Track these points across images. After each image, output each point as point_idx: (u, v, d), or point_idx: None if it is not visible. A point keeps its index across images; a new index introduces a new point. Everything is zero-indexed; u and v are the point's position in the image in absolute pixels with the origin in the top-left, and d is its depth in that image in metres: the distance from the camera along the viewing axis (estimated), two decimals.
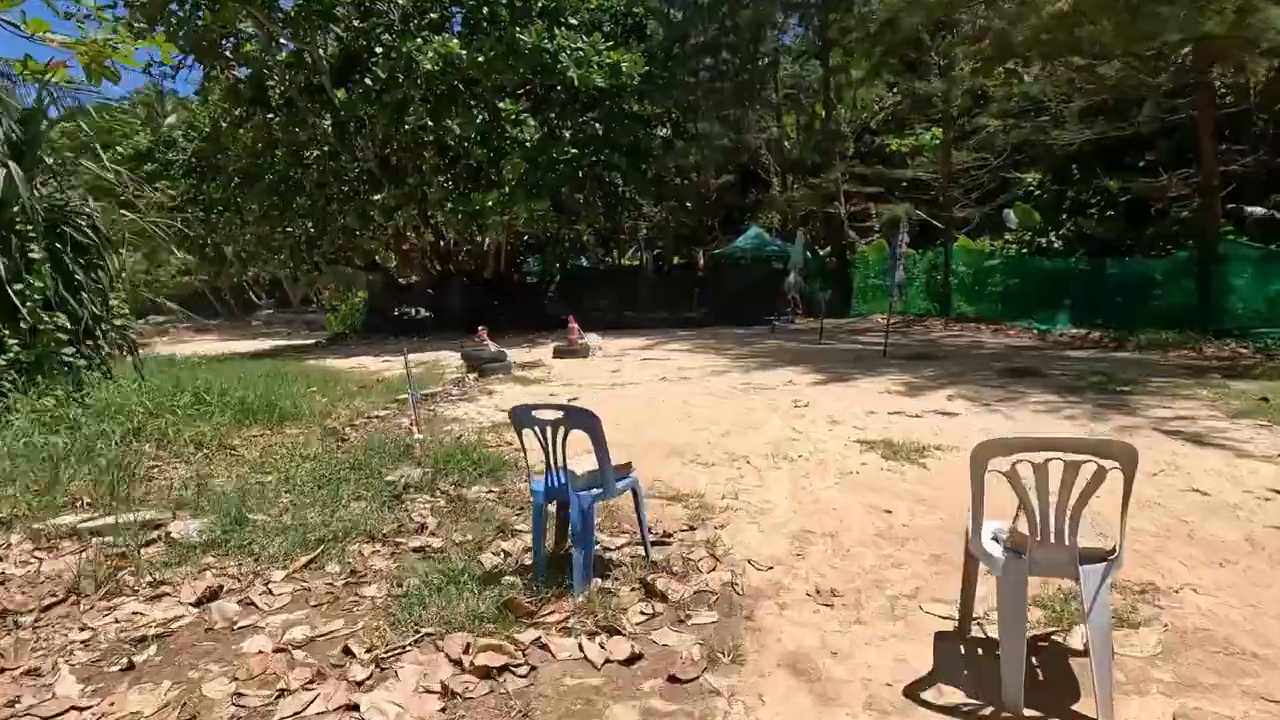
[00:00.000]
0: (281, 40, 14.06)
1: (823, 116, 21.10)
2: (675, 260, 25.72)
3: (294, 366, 10.95)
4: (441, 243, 17.62)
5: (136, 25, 13.26)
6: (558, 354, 11.51)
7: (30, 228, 5.90)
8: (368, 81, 13.89)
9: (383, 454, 4.75)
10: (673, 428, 5.93)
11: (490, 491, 4.20)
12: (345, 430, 5.88)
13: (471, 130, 13.60)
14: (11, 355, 5.50)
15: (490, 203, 13.62)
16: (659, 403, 7.07)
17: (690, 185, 22.30)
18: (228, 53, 14.32)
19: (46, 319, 5.77)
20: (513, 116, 13.37)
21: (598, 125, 15.45)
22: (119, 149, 18.70)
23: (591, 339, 13.00)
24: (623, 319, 18.07)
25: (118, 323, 6.80)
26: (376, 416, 6.54)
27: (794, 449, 5.12)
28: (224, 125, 15.08)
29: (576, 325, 12.78)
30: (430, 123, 13.45)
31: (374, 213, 14.78)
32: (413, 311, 20.01)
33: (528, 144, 13.89)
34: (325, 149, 14.91)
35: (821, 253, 20.89)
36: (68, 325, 5.92)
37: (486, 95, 13.93)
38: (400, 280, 21.42)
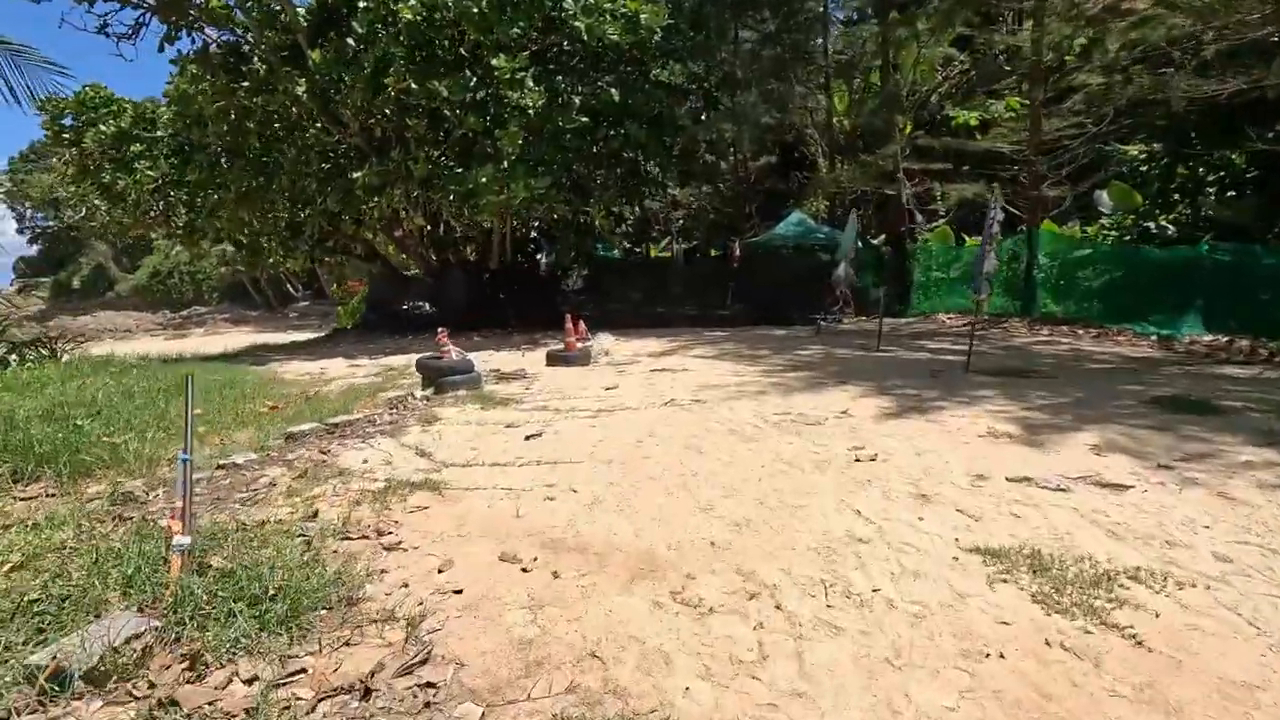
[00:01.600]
0: None
1: (879, 84, 18.42)
2: (710, 251, 23.39)
3: (235, 374, 9.08)
4: (438, 228, 15.63)
5: None
6: (551, 361, 9.39)
7: None
8: (349, 41, 11.97)
9: (102, 574, 2.67)
10: (659, 502, 3.72)
11: (283, 682, 2.08)
12: (150, 495, 3.84)
13: (461, 93, 11.53)
14: None
15: (484, 179, 11.55)
16: (652, 447, 4.86)
17: (722, 164, 19.88)
18: (192, 10, 12.54)
19: None
20: (508, 76, 11.24)
21: (614, 91, 13.24)
22: (101, 127, 17.31)
23: (603, 340, 10.84)
24: (650, 315, 15.87)
25: None
26: (237, 465, 4.48)
27: (859, 569, 2.86)
28: (198, 97, 13.33)
29: (581, 325, 10.65)
30: (415, 85, 11.43)
31: (358, 192, 12.87)
32: (415, 306, 18.20)
33: (530, 111, 11.76)
34: (302, 120, 13.06)
35: (875, 241, 18.27)
36: None
37: (481, 53, 11.84)
38: (405, 272, 19.63)
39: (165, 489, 3.84)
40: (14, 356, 9.98)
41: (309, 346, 15.53)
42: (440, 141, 12.89)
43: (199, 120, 13.86)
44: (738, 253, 17.90)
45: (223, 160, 14.56)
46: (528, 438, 5.16)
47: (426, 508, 3.70)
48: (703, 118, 15.88)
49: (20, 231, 59.43)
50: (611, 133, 13.81)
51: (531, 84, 11.55)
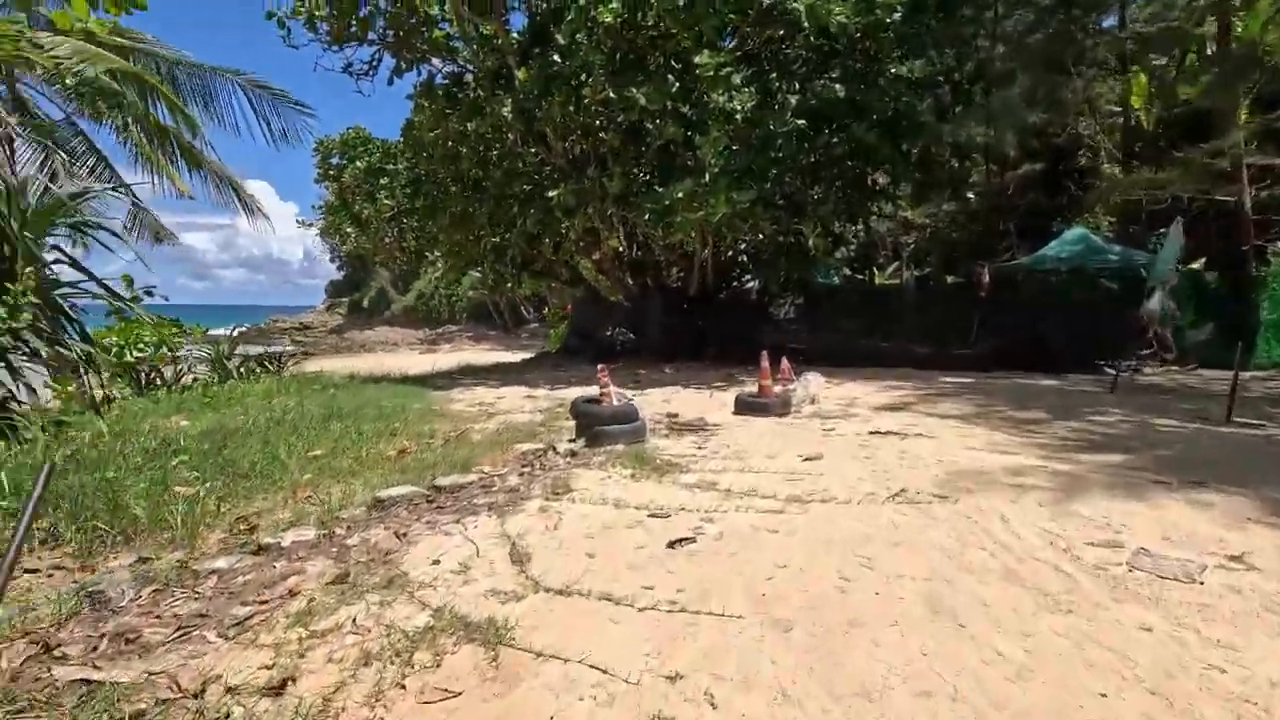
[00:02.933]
0: (470, 19, 12.32)
1: (1196, 59, 13.97)
2: (946, 278, 19.85)
3: (409, 399, 8.65)
4: (634, 250, 14.67)
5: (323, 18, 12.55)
6: (741, 408, 7.60)
7: None
8: (554, 57, 11.49)
9: None
10: None
11: None
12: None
13: (660, 100, 10.35)
14: None
15: (681, 194, 10.21)
16: (868, 596, 2.86)
17: (970, 172, 16.52)
18: (422, 45, 13.03)
19: None
20: (711, 73, 9.81)
21: (838, 88, 11.19)
22: (357, 164, 19.28)
23: (809, 383, 8.83)
24: (871, 353, 13.39)
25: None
26: (280, 548, 3.37)
27: None
28: (419, 127, 13.90)
29: (784, 363, 8.77)
30: (613, 94, 10.51)
31: (556, 213, 12.33)
32: (618, 332, 17.54)
33: (736, 115, 10.22)
34: (507, 142, 12.91)
35: (1195, 266, 13.71)
36: None
37: (684, 53, 10.59)
38: (610, 298, 19.16)
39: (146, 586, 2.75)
40: (243, 369, 10.74)
41: (507, 369, 15.46)
42: (638, 156, 11.86)
43: (425, 150, 14.47)
44: (987, 279, 14.58)
45: (442, 187, 15.10)
46: (673, 544, 3.46)
47: (456, 695, 2.16)
48: (949, 114, 13.07)
49: (331, 260, 72.36)
50: (834, 139, 11.75)
51: (738, 82, 10.00)
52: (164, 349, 9.38)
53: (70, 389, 9.31)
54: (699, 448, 5.77)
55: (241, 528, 3.66)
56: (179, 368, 10.11)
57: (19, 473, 3.62)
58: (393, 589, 2.91)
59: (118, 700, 2.03)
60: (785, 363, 8.84)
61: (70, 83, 9.83)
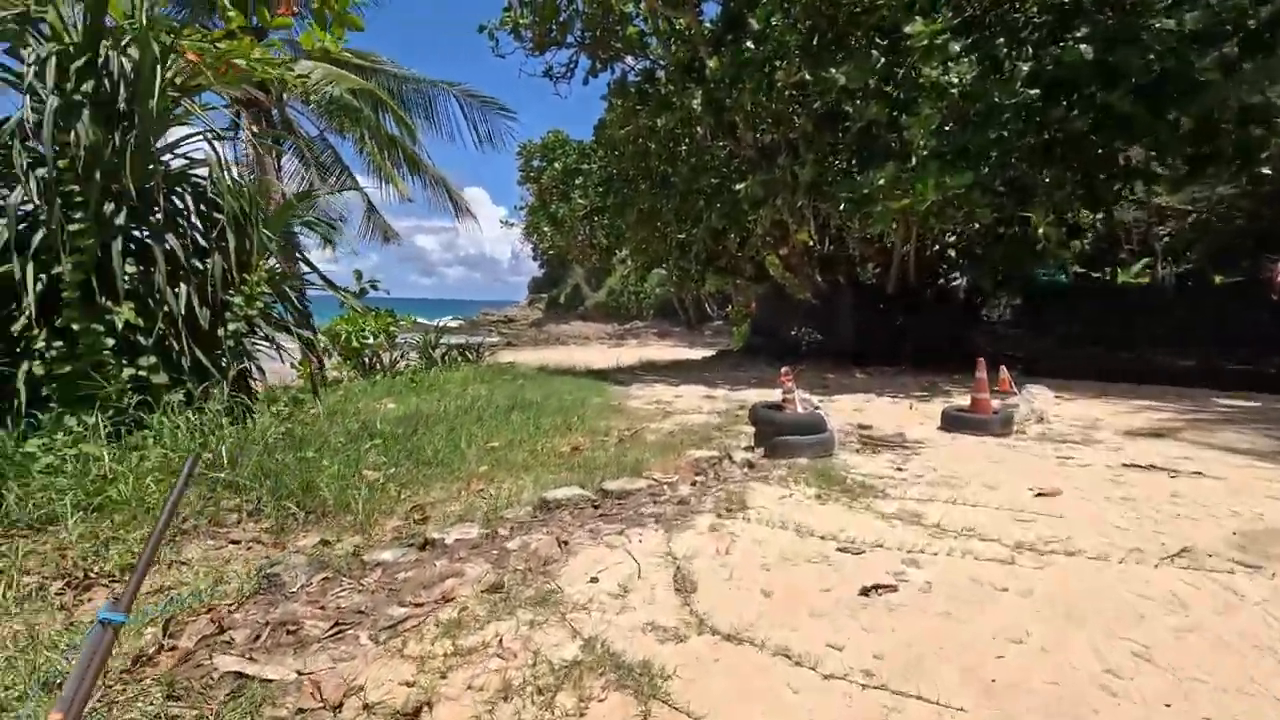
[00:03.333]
0: (663, 13, 12.24)
1: None
2: (1213, 276, 16.18)
3: (588, 394, 8.74)
4: (825, 244, 13.67)
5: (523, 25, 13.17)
6: (949, 423, 6.59)
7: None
8: (747, 44, 11.02)
9: None
10: None
11: None
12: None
13: (862, 78, 9.41)
14: (33, 368, 4.01)
15: (882, 180, 9.22)
16: (1135, 700, 2.08)
17: (1269, 142, 13.21)
18: (616, 43, 13.23)
19: (82, 317, 4.13)
20: (925, 43, 8.69)
21: (1084, 48, 9.40)
22: (555, 165, 20.29)
23: (1035, 398, 7.55)
24: (1112, 364, 11.29)
25: (231, 328, 4.91)
26: (444, 545, 3.30)
27: None
28: (611, 125, 14.15)
29: (1004, 373, 7.57)
30: (809, 76, 9.78)
31: (743, 206, 11.85)
32: (804, 331, 16.64)
33: (952, 89, 8.99)
34: (696, 134, 12.63)
35: None
36: (136, 323, 4.28)
37: (889, 24, 9.54)
38: (797, 296, 18.25)
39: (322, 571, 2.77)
40: (446, 358, 11.62)
41: (688, 367, 15.28)
42: (834, 142, 10.96)
43: (616, 149, 14.73)
44: None
45: (631, 184, 15.28)
46: (867, 590, 2.86)
47: None
48: (1236, 71, 10.45)
49: (533, 259, 78.35)
50: (1074, 111, 9.93)
51: (956, 51, 8.77)
52: (381, 337, 10.39)
53: (309, 371, 10.67)
54: (898, 469, 4.99)
55: (415, 517, 3.69)
56: (394, 355, 11.18)
57: (240, 448, 3.95)
58: (545, 607, 2.66)
59: (262, 703, 1.96)
60: (1004, 372, 7.60)
61: (317, 100, 11.24)
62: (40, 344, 3.94)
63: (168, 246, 4.40)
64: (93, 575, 2.75)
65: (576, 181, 19.22)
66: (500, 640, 2.40)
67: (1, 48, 4.48)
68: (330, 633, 2.40)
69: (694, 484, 4.46)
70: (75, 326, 4.00)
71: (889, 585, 2.89)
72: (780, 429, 5.24)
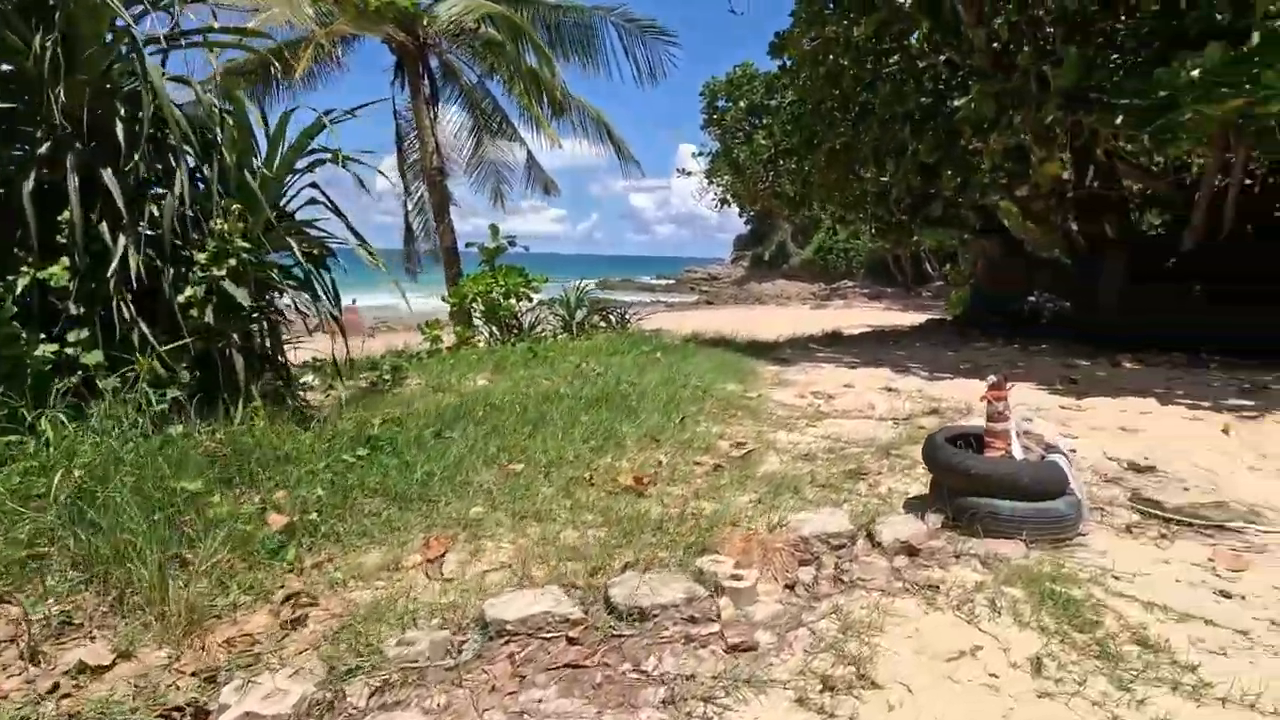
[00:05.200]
0: None
1: None
2: None
3: (717, 381, 6.85)
4: (1087, 180, 9.85)
5: None
6: None
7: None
8: None
9: None
10: None
11: None
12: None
13: None
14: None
15: (1195, 72, 5.91)
16: None
17: None
18: None
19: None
20: None
21: None
22: (740, 104, 17.93)
23: None
24: None
25: (187, 293, 3.65)
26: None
27: None
28: (790, 40, 11.56)
29: None
30: None
31: (966, 129, 8.85)
32: (1044, 300, 12.89)
33: None
34: (904, 42, 9.69)
35: None
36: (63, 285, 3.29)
37: None
38: (1042, 254, 14.21)
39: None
40: (586, 322, 10.37)
41: (881, 340, 12.49)
42: (1108, 29, 7.51)
43: (800, 72, 12.14)
44: None
45: (823, 117, 12.61)
46: None
47: None
48: None
49: (740, 215, 76.19)
50: None
51: None
52: (513, 299, 9.38)
53: (458, 330, 10.04)
54: (1219, 594, 2.51)
55: (284, 616, 2.24)
56: (532, 317, 10.20)
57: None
58: None
59: None
60: None
61: (464, 37, 10.32)
62: None
63: (106, 185, 3.37)
64: None
65: (764, 120, 16.77)
66: None
67: None
68: None
69: (787, 590, 2.49)
70: None
71: None
72: (975, 484, 2.99)
